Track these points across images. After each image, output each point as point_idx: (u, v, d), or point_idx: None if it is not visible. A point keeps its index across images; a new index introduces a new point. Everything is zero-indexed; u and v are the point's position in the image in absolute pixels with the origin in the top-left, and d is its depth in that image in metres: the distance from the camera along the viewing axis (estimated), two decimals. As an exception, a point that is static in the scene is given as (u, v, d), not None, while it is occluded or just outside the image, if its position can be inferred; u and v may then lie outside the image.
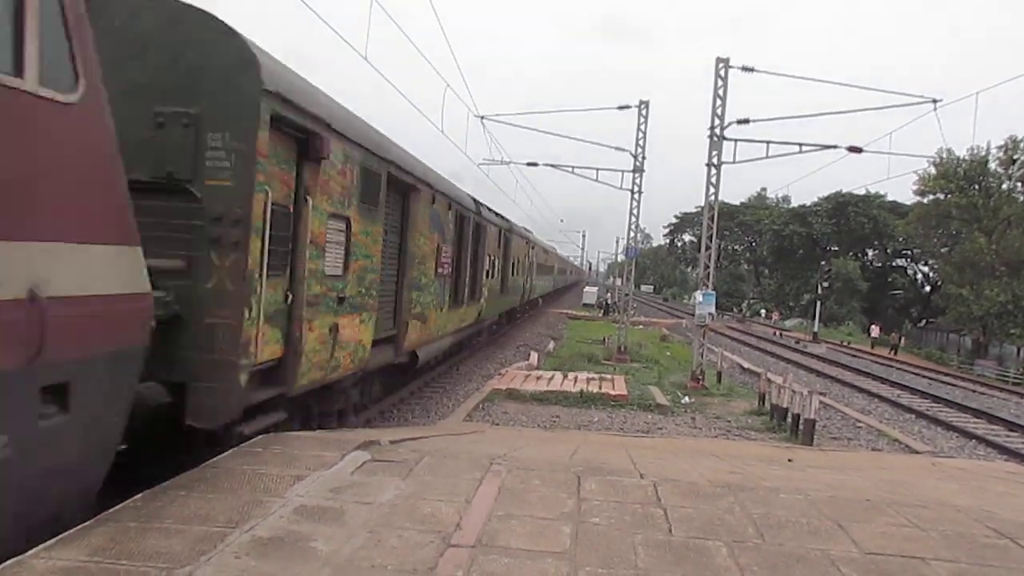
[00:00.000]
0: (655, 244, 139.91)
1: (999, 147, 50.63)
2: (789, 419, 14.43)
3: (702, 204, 21.24)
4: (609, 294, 60.63)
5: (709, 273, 20.84)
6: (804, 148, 20.51)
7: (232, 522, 4.19)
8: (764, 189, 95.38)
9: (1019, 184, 51.04)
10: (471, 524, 4.51)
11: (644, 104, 25.19)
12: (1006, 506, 6.24)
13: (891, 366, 36.10)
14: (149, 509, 4.31)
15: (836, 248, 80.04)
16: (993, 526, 5.33)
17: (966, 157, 50.43)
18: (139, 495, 4.55)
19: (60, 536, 3.80)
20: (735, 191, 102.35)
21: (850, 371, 30.12)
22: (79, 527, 3.94)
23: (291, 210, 6.99)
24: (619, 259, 61.05)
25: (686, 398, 17.83)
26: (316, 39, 42.72)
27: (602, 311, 52.52)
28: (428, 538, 4.21)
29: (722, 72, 19.90)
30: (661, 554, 4.26)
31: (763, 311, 79.03)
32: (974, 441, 16.36)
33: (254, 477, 5.12)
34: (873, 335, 52.87)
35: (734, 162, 20.40)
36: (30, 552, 3.57)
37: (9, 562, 3.45)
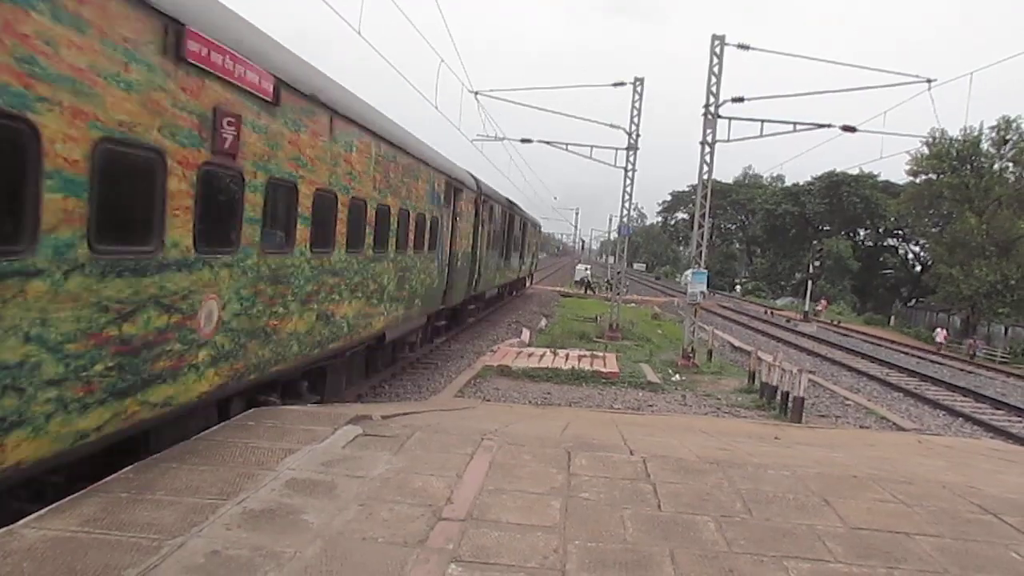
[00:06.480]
0: (649, 222, 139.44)
1: (992, 127, 50.82)
2: (779, 397, 14.54)
3: (696, 182, 21.17)
4: (588, 271, 60.81)
5: (701, 252, 20.84)
6: (798, 127, 20.44)
7: (223, 494, 4.21)
8: (750, 166, 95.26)
9: (1011, 164, 51.15)
10: (462, 498, 4.54)
11: (639, 81, 24.92)
12: (991, 483, 6.33)
13: (880, 345, 36.33)
14: (140, 481, 4.32)
15: (828, 227, 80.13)
16: (978, 502, 5.41)
17: (959, 137, 50.43)
18: (130, 467, 4.56)
19: (51, 506, 3.81)
20: (729, 170, 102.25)
21: (840, 350, 30.34)
22: (70, 497, 3.95)
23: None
24: (612, 237, 61.08)
25: (677, 376, 17.91)
26: (307, 10, 41.96)
27: (584, 288, 52.65)
28: (419, 511, 4.24)
29: (717, 49, 19.73)
30: (650, 529, 4.30)
31: (738, 286, 79.56)
32: (961, 419, 16.56)
33: (245, 450, 5.13)
34: (938, 340, 40.60)
35: (728, 140, 20.32)
36: (21, 522, 3.58)
37: (0, 531, 3.45)
